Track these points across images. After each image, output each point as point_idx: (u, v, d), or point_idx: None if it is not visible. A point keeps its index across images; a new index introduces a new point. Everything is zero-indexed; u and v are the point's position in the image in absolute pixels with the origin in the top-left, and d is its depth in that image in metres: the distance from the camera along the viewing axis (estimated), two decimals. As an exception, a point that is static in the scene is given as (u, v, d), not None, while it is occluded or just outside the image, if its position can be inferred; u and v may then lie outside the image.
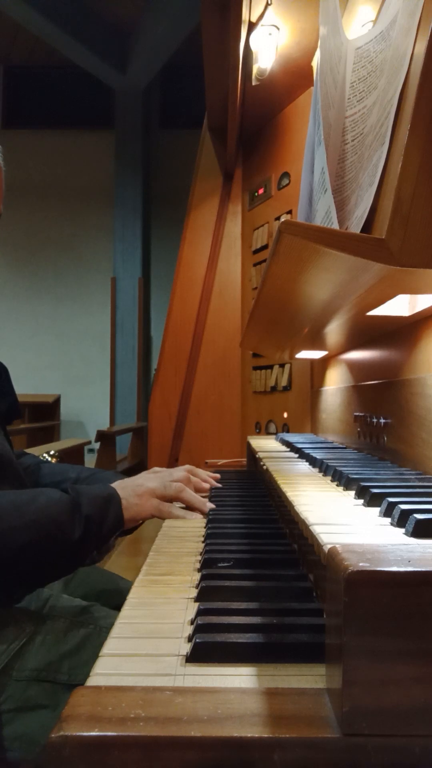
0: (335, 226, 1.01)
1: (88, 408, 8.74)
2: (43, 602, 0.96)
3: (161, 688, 0.48)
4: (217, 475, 1.33)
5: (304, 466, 1.19)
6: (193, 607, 0.66)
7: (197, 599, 0.69)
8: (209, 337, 3.31)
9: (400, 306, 0.96)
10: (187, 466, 1.20)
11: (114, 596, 1.17)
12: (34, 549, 0.88)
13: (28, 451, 1.41)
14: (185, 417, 3.32)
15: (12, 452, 1.14)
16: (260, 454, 1.42)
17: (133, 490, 1.03)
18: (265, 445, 1.74)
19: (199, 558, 0.85)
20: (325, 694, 0.47)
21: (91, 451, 5.85)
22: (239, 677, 0.51)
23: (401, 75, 0.82)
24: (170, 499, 1.07)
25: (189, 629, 0.61)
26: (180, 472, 1.14)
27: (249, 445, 1.91)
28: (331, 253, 0.71)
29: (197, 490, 1.17)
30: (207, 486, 1.24)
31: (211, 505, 1.13)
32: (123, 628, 0.62)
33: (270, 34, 2.24)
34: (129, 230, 8.11)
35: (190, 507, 1.11)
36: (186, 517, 1.08)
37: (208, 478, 1.26)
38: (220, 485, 1.31)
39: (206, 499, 1.15)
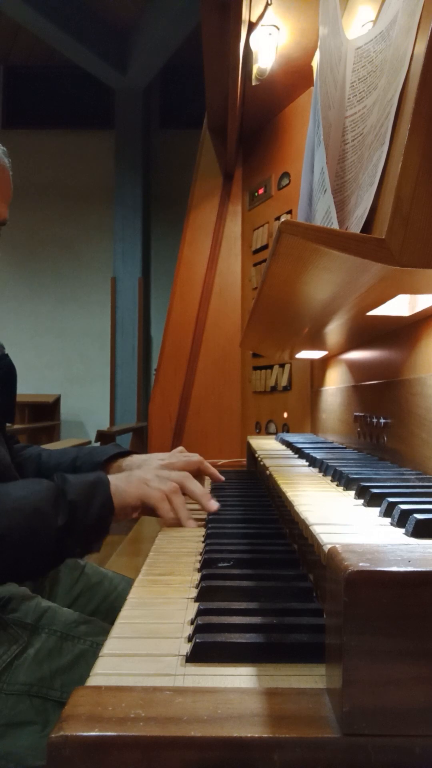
0: (335, 226, 1.01)
1: (88, 408, 8.73)
2: (41, 614, 0.93)
3: (161, 688, 0.48)
4: (221, 478, 1.25)
5: (304, 466, 1.19)
6: (193, 607, 0.66)
7: (197, 599, 0.69)
8: (209, 337, 3.30)
9: (400, 306, 0.96)
10: (195, 459, 1.12)
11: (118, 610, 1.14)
12: (13, 538, 0.85)
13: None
14: (185, 417, 3.31)
15: (9, 458, 1.13)
16: (260, 454, 1.42)
17: (126, 477, 1.01)
18: (265, 445, 1.74)
19: (199, 558, 0.85)
20: (325, 694, 0.47)
21: (91, 451, 5.86)
22: (239, 677, 0.51)
23: (401, 75, 0.82)
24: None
25: (189, 629, 0.61)
26: (177, 474, 1.05)
27: (249, 445, 1.90)
28: (331, 253, 0.71)
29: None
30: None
31: (216, 506, 1.06)
32: (123, 628, 0.62)
33: (270, 34, 2.24)
34: (129, 230, 8.11)
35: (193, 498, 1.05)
36: (169, 519, 1.00)
37: (202, 492, 1.08)
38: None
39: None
